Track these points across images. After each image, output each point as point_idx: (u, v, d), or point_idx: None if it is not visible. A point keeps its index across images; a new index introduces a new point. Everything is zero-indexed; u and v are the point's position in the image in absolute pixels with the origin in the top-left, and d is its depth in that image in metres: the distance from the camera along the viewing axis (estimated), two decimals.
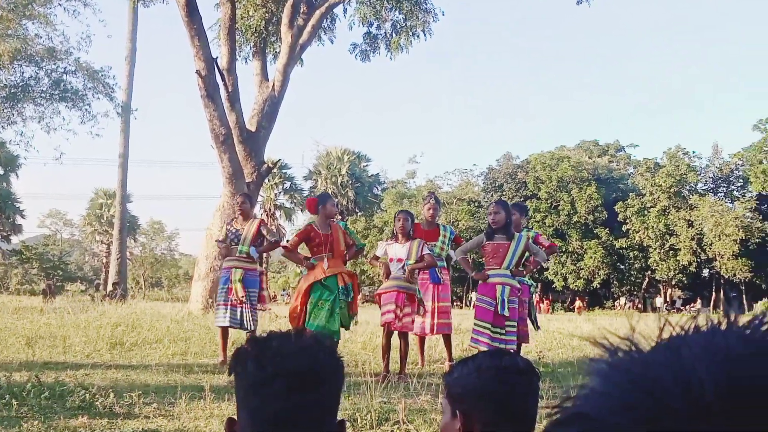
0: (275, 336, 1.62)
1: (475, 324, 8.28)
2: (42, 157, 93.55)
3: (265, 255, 10.93)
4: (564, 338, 14.60)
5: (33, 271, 60.60)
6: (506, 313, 8.10)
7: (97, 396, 6.38)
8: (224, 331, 9.86)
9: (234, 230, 10.07)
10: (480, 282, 8.41)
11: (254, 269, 10.03)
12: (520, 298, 8.76)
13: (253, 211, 10.95)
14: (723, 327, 0.69)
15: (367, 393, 6.24)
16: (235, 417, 1.60)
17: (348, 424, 1.65)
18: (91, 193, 69.25)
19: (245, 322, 9.79)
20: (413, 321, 9.02)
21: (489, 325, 8.11)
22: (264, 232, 10.12)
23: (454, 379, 2.05)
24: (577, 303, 54.85)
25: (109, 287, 33.27)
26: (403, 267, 8.83)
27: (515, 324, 8.34)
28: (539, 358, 10.52)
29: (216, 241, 10.19)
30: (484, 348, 8.07)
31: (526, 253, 9.27)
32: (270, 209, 60.25)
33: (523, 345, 9.53)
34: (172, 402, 6.48)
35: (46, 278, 52.54)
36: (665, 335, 0.72)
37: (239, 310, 9.78)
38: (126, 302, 25.46)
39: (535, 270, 9.45)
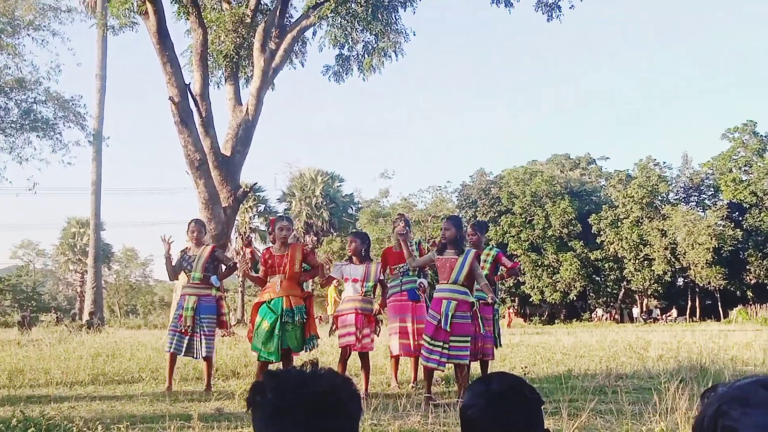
0: (293, 368, 1.63)
1: (424, 340, 8.31)
2: (14, 188, 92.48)
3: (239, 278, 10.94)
4: (547, 353, 14.63)
5: (6, 303, 59.93)
6: (447, 328, 8.06)
7: (84, 429, 6.30)
8: (172, 357, 9.80)
9: (187, 257, 10.05)
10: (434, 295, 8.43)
11: (209, 295, 9.94)
12: (482, 315, 8.82)
13: (229, 234, 10.97)
14: None
15: (364, 402, 6.21)
16: None
17: None
18: (64, 222, 68.79)
19: (194, 351, 9.73)
20: (372, 340, 9.14)
21: (428, 339, 8.12)
22: (219, 256, 10.12)
23: (465, 405, 2.04)
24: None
25: (86, 316, 32.93)
26: (361, 287, 9.01)
27: (467, 339, 8.27)
28: (524, 374, 10.53)
29: (164, 255, 10.05)
30: (427, 364, 8.11)
31: (501, 268, 9.39)
32: (245, 233, 59.99)
33: (490, 362, 9.54)
34: None
35: (20, 309, 51.96)
36: None
37: (187, 338, 9.71)
38: (103, 331, 25.25)
39: (502, 286, 9.59)
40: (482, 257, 9.39)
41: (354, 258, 9.14)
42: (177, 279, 10.65)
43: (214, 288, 10.03)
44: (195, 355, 9.79)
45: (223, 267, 10.25)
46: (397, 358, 9.88)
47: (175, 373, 10.06)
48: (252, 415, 1.61)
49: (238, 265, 9.80)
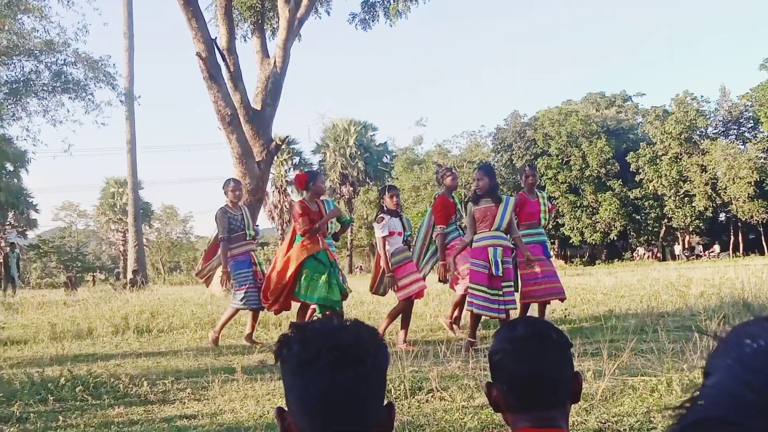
0: (317, 319, 1.63)
1: (470, 288, 8.27)
2: (50, 151, 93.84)
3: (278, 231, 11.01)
4: (587, 294, 14.58)
5: (52, 265, 61.02)
6: (500, 273, 8.09)
7: (130, 385, 6.42)
8: (255, 312, 9.93)
9: (233, 215, 10.06)
10: (470, 246, 8.39)
11: (254, 249, 10.14)
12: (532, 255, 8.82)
13: (264, 188, 11.05)
14: None
15: (398, 363, 6.25)
16: (283, 406, 1.60)
17: None
18: (102, 183, 69.52)
19: (256, 301, 9.88)
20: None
21: (485, 288, 8.10)
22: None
23: (492, 350, 2.04)
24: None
25: (129, 275, 33.40)
26: (404, 239, 9.06)
27: (512, 284, 8.33)
28: (564, 316, 10.52)
29: (219, 239, 10.09)
30: (478, 311, 8.11)
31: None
32: (281, 186, 60.31)
33: (552, 302, 9.52)
34: (205, 386, 6.52)
35: (66, 270, 52.90)
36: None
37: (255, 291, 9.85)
38: (147, 289, 25.60)
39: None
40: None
41: (393, 211, 9.15)
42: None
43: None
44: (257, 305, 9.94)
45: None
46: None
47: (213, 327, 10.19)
48: (281, 367, 1.61)
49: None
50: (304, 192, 9.13)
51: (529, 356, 1.92)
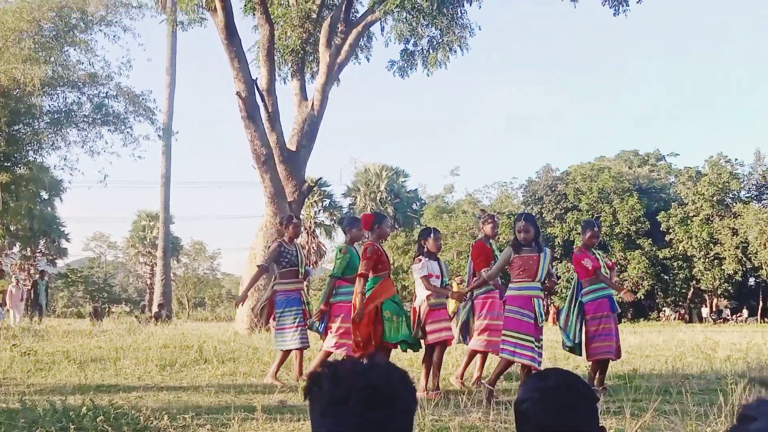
0: (348, 359, 1.65)
1: (512, 336, 8.18)
2: (86, 181, 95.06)
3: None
4: None
5: (78, 294, 61.52)
6: (542, 325, 8.15)
7: (151, 418, 6.45)
8: (301, 352, 9.99)
9: (287, 251, 10.11)
10: (510, 293, 8.40)
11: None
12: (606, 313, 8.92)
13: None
14: None
15: (419, 411, 6.22)
16: None
17: None
18: (134, 215, 70.13)
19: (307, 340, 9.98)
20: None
21: (530, 338, 8.08)
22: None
23: (519, 399, 2.05)
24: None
25: (155, 308, 33.58)
26: (443, 284, 9.02)
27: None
28: (589, 373, 10.43)
29: (259, 266, 10.26)
30: (524, 360, 8.08)
31: None
32: (310, 227, 60.49)
33: (570, 359, 9.52)
34: (225, 423, 6.53)
35: (92, 300, 53.30)
36: None
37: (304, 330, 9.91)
38: (172, 323, 25.71)
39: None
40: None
41: (432, 254, 9.18)
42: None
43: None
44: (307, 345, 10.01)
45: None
46: (485, 355, 9.87)
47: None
48: (309, 405, 1.63)
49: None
50: (369, 233, 9.03)
51: (558, 407, 1.92)
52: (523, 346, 8.10)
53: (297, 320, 9.77)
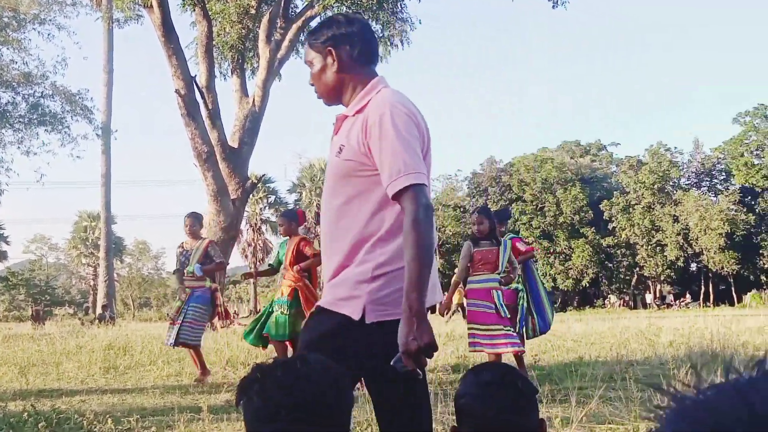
0: (279, 364, 1.60)
1: (478, 329, 8.21)
2: (23, 182, 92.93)
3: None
4: (557, 340, 14.60)
5: (20, 297, 60.33)
6: (508, 315, 8.16)
7: (94, 422, 6.32)
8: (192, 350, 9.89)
9: (185, 251, 10.05)
10: (470, 287, 8.42)
11: (202, 286, 9.92)
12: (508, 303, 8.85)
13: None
14: None
15: (366, 406, 6.20)
16: None
17: None
18: (75, 216, 69.00)
19: (169, 338, 9.68)
20: None
21: (500, 326, 8.10)
22: (212, 253, 10.09)
23: (458, 394, 2.04)
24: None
25: (99, 310, 33.06)
26: None
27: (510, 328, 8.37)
28: (535, 362, 10.52)
29: (172, 273, 10.16)
30: (504, 349, 8.11)
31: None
32: (256, 224, 60.13)
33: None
34: (171, 425, 6.43)
35: (34, 303, 52.29)
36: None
37: (174, 327, 9.66)
38: (116, 324, 25.34)
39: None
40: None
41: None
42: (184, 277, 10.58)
43: (209, 280, 10.03)
44: (170, 342, 9.72)
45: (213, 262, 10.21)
46: None
47: (186, 366, 10.09)
48: (243, 412, 1.59)
49: (224, 264, 9.92)
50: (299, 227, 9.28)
51: (495, 402, 1.92)
52: (494, 336, 8.12)
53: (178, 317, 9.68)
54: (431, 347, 2.32)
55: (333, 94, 2.87)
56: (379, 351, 2.45)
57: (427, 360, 2.35)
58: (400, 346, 2.33)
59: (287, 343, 8.95)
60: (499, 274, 8.32)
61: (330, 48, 2.77)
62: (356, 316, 2.50)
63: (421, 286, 2.38)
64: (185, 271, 9.90)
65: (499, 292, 8.22)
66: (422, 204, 2.44)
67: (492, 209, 9.78)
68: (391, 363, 2.36)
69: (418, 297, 2.36)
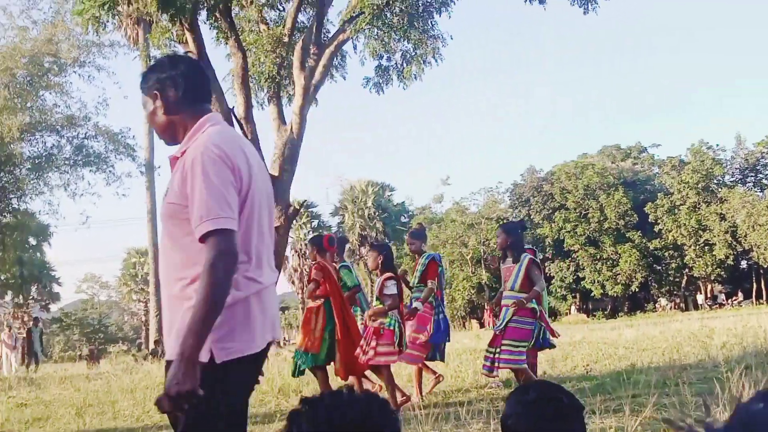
0: (327, 394, 1.64)
1: (514, 346, 8.19)
2: (70, 223, 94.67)
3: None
4: (609, 348, 14.46)
5: (74, 337, 61.19)
6: (498, 332, 8.15)
7: None
8: None
9: None
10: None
11: None
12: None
13: (284, 253, 10.97)
14: None
15: (419, 427, 6.21)
16: None
17: None
18: (123, 253, 69.88)
19: None
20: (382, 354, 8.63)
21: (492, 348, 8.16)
22: None
23: (504, 415, 2.06)
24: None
25: (151, 345, 33.40)
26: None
27: (522, 343, 8.13)
28: (587, 372, 10.44)
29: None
30: (519, 365, 8.08)
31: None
32: (301, 249, 60.43)
33: (568, 359, 9.50)
34: None
35: (88, 343, 53.01)
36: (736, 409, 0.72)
37: None
38: None
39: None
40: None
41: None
42: None
43: None
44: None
45: None
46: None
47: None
48: None
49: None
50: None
51: (542, 420, 1.94)
52: (520, 352, 8.11)
53: None
54: (191, 395, 2.36)
55: (167, 135, 2.95)
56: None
57: (185, 407, 2.39)
58: (165, 387, 2.40)
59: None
60: (512, 290, 8.21)
61: (156, 92, 2.87)
62: (204, 359, 2.53)
63: (202, 331, 2.44)
64: None
65: (509, 309, 8.11)
66: (219, 250, 2.51)
67: (537, 220, 9.76)
68: (154, 402, 2.45)
69: (194, 344, 2.41)
